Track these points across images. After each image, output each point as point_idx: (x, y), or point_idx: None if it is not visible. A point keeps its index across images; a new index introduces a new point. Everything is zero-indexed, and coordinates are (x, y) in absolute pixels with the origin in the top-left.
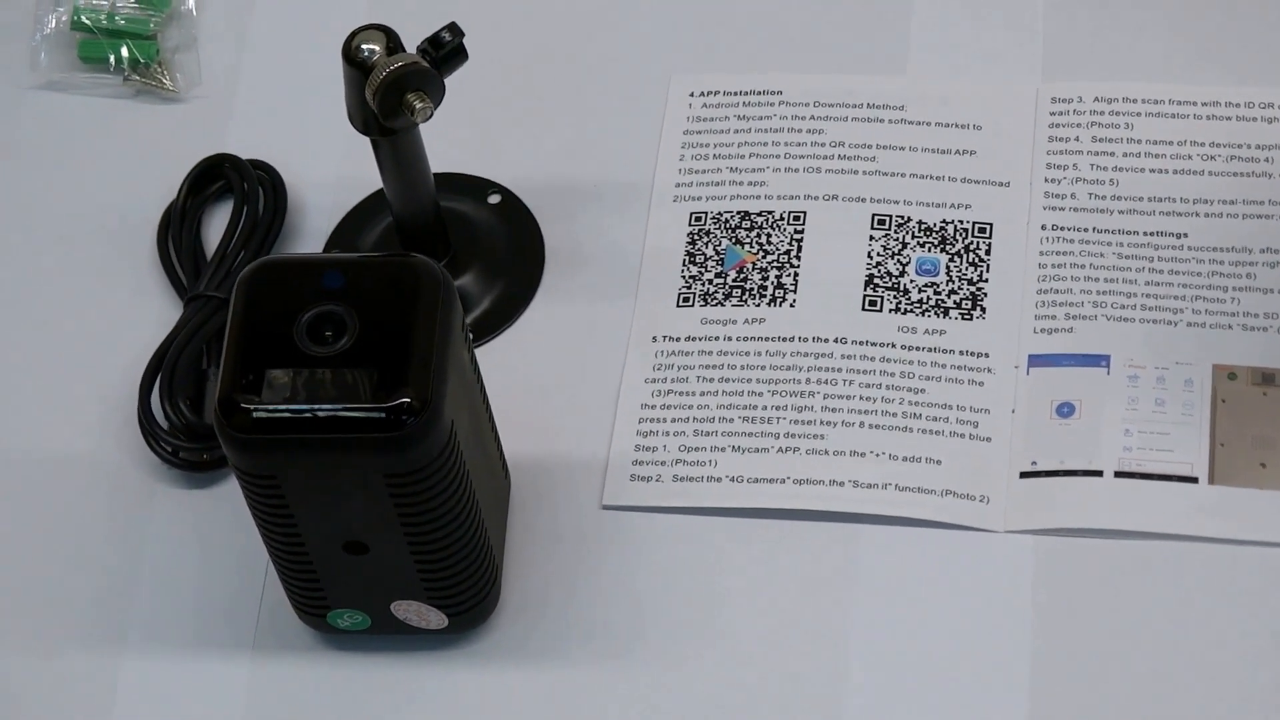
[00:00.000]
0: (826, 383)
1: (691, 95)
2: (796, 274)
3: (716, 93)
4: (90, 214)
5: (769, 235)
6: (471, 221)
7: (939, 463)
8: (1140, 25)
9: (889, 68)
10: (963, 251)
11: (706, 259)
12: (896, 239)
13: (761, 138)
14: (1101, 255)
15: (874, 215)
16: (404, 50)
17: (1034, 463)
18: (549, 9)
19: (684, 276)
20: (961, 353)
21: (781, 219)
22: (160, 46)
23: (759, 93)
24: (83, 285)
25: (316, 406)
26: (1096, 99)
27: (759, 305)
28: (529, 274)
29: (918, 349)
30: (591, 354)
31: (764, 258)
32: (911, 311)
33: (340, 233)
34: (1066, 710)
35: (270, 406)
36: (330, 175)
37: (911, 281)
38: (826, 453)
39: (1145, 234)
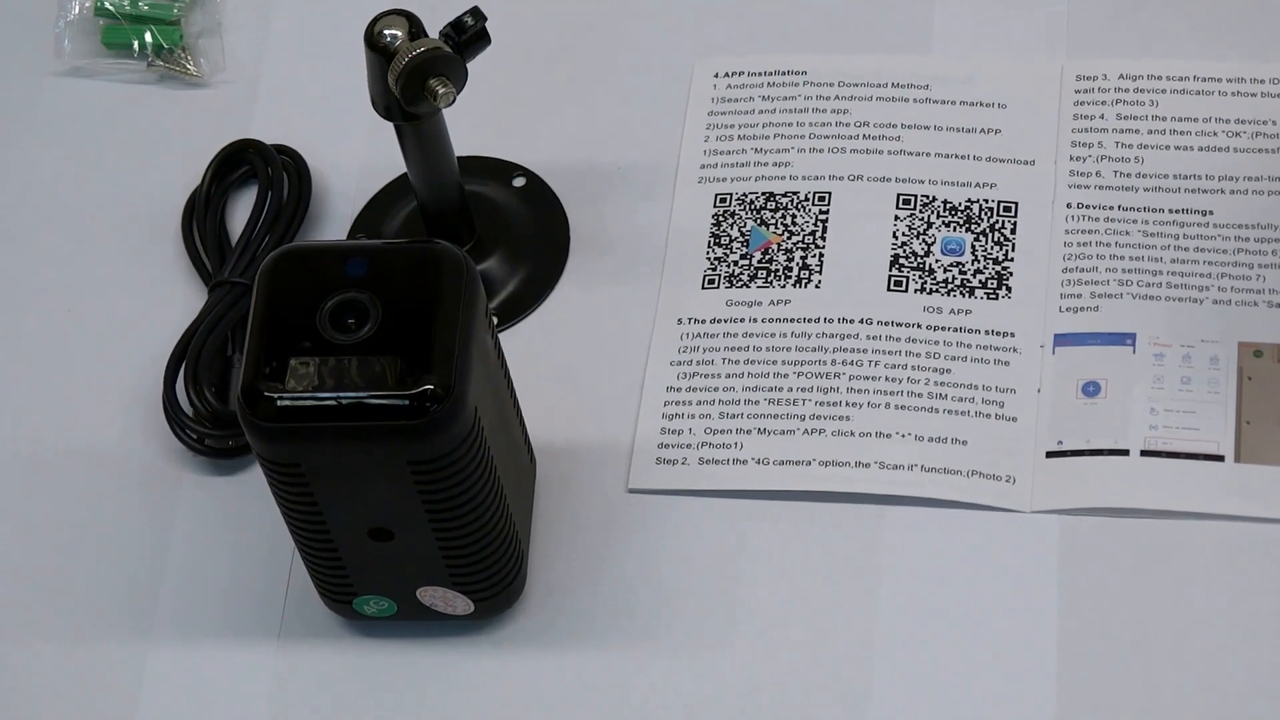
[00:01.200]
0: (852, 364)
1: (716, 76)
2: (822, 255)
3: (741, 73)
4: (114, 200)
5: (794, 216)
6: (496, 205)
7: (965, 443)
8: (1165, 3)
9: (913, 47)
10: (988, 231)
11: (731, 240)
12: (922, 219)
13: (786, 118)
14: (1127, 233)
15: (899, 195)
16: (426, 35)
17: (1060, 442)
18: None
19: (709, 258)
20: (987, 332)
21: (806, 200)
22: (184, 32)
23: (783, 73)
24: (107, 272)
25: (340, 394)
26: (1121, 76)
27: (784, 286)
28: (554, 257)
29: (943, 329)
30: (617, 337)
31: (789, 239)
32: (937, 291)
33: (365, 218)
34: (1094, 690)
35: (294, 395)
36: (354, 160)
37: (937, 261)
38: (852, 434)
39: (1170, 211)
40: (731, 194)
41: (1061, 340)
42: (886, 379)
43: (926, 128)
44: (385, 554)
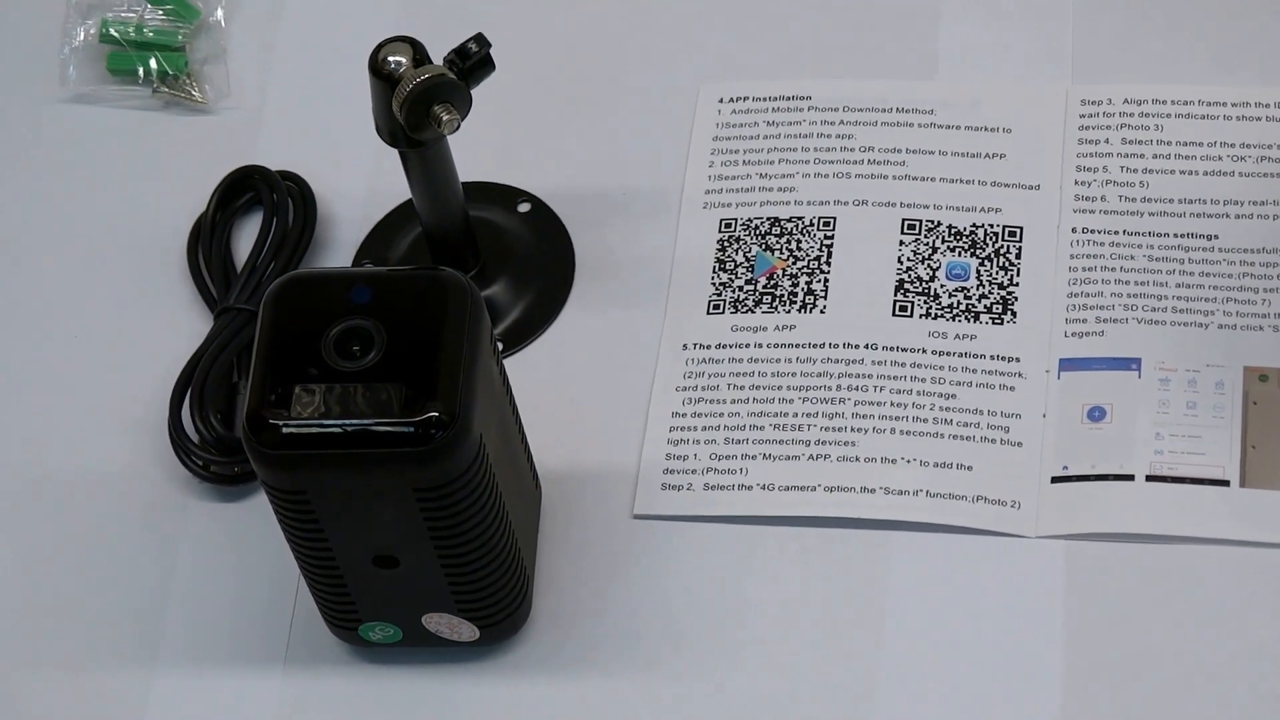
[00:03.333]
0: (857, 389)
1: (721, 101)
2: (827, 280)
3: (746, 98)
4: (120, 227)
5: (799, 241)
6: (501, 231)
7: (970, 468)
8: (1169, 26)
9: (918, 72)
10: (993, 256)
11: (736, 266)
12: (927, 244)
13: (791, 143)
14: (1132, 258)
15: (904, 220)
16: (431, 62)
17: (1065, 467)
18: (576, 17)
19: (714, 283)
20: (992, 357)
21: (811, 225)
22: (189, 58)
23: (788, 98)
24: (113, 298)
25: (345, 421)
26: (1126, 101)
27: (789, 312)
28: (559, 283)
29: (948, 354)
30: (622, 362)
31: (794, 264)
32: (942, 316)
33: (370, 244)
34: (1100, 716)
35: (298, 422)
36: (360, 186)
37: (942, 286)
38: (858, 459)
39: (1176, 236)
40: (736, 219)
41: (1067, 365)
42: (892, 404)
43: (931, 153)
44: (390, 581)
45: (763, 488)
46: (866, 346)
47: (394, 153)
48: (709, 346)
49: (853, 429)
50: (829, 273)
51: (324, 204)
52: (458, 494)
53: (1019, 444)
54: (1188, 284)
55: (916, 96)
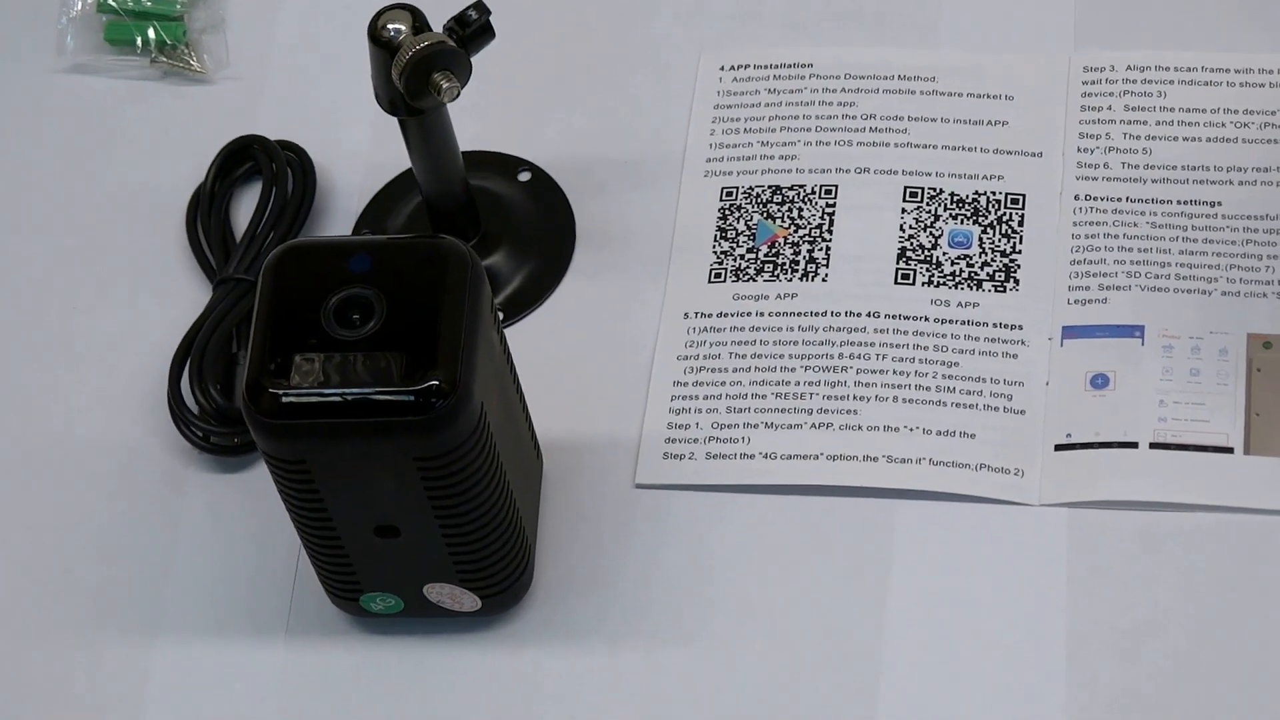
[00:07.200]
0: (859, 357)
1: (722, 69)
2: (829, 248)
3: (747, 66)
4: (119, 197)
5: (800, 209)
6: (502, 200)
7: (973, 436)
8: None
9: (920, 39)
10: (995, 223)
11: (738, 234)
12: (929, 211)
13: (792, 111)
14: (1135, 225)
15: (906, 188)
16: (430, 29)
17: (1069, 435)
18: None
19: (715, 252)
20: (995, 325)
21: (813, 193)
22: (187, 27)
23: (789, 65)
24: (112, 269)
25: (345, 390)
26: (1129, 68)
27: (791, 280)
28: (560, 252)
29: (951, 322)
30: (623, 332)
31: (796, 232)
32: (944, 284)
33: (370, 213)
34: (1104, 683)
35: (298, 391)
36: (359, 155)
37: (944, 254)
38: (860, 428)
39: (1179, 203)
40: (738, 187)
41: (1070, 333)
42: (894, 372)
43: (933, 120)
44: (391, 551)
45: (765, 456)
46: (869, 315)
47: (393, 121)
48: (710, 315)
49: (855, 397)
50: (830, 241)
51: (323, 173)
52: (458, 463)
53: (1022, 412)
54: (1191, 251)
55: (918, 64)
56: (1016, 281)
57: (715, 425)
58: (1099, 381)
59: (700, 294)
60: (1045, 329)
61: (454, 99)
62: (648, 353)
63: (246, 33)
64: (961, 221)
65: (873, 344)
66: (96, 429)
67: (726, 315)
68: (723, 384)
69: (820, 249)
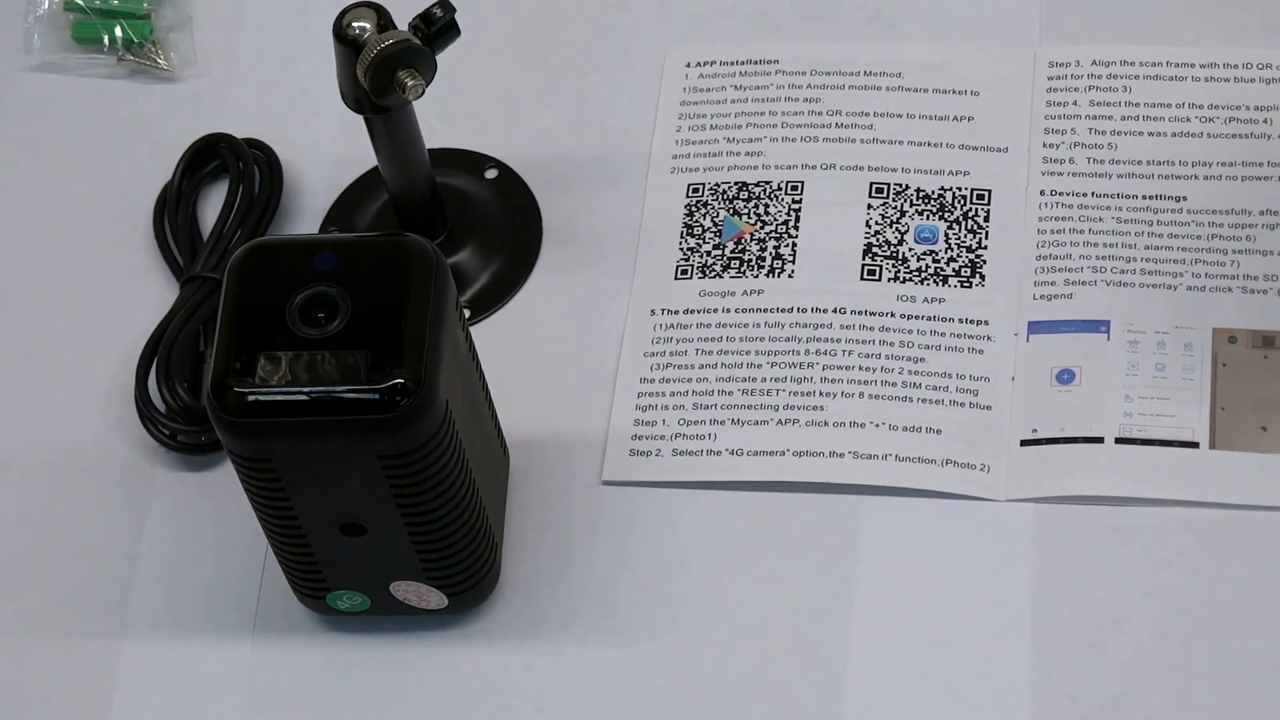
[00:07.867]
0: (825, 353)
1: (688, 66)
2: (795, 244)
3: (713, 63)
4: (85, 196)
5: (767, 206)
6: (468, 197)
7: (939, 432)
8: None
9: (885, 35)
10: (961, 219)
11: (704, 230)
12: (895, 207)
13: (758, 107)
14: (1100, 220)
15: (872, 184)
16: (395, 27)
17: (1034, 430)
18: None
19: (682, 249)
20: (961, 321)
21: (779, 189)
22: (154, 26)
23: (755, 62)
24: (78, 268)
25: (309, 389)
26: (1094, 62)
27: (757, 276)
28: (527, 249)
29: (917, 318)
30: (589, 329)
31: (762, 228)
32: (910, 280)
33: (337, 211)
34: (1068, 678)
35: (263, 390)
36: (326, 153)
37: (910, 250)
38: (826, 424)
39: (1144, 198)
40: (704, 184)
41: (1035, 328)
42: (860, 368)
43: (899, 116)
44: (358, 549)
45: (731, 453)
46: (835, 311)
47: (360, 120)
48: (677, 312)
49: (821, 393)
50: (797, 237)
51: (290, 172)
52: (423, 461)
53: (988, 407)
54: (1156, 246)
55: (884, 59)
56: (982, 277)
57: (682, 422)
58: (1065, 377)
59: (667, 291)
60: (1011, 324)
61: (419, 97)
62: (614, 350)
63: (213, 31)
64: (927, 217)
65: (839, 340)
66: (63, 427)
67: (693, 312)
68: (689, 380)
69: (786, 245)
